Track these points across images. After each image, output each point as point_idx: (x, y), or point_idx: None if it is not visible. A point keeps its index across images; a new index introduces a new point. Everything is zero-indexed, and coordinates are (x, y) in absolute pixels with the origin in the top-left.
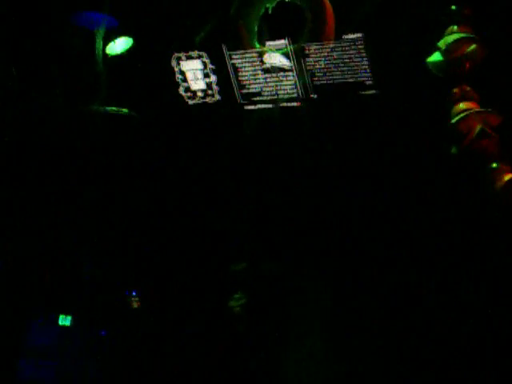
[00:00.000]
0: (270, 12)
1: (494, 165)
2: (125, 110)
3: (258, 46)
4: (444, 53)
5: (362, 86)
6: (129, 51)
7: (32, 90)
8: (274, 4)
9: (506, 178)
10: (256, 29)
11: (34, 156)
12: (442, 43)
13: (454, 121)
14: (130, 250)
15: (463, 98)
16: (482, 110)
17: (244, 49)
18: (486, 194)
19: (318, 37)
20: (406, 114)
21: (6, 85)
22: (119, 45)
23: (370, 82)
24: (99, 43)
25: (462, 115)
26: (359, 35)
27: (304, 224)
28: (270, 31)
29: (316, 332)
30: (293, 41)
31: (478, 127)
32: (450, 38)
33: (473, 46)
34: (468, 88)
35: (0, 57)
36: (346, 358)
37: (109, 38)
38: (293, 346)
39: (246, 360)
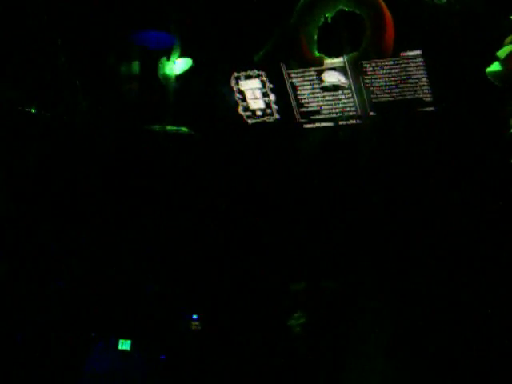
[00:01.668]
0: (329, 21)
1: None
2: (184, 129)
3: (317, 55)
4: (503, 62)
5: (421, 102)
6: (188, 71)
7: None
8: (333, 13)
9: None
10: (315, 38)
11: (93, 174)
12: (501, 53)
13: None
14: (190, 273)
15: None
16: None
17: (303, 58)
18: None
19: (377, 46)
20: (466, 128)
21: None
22: (179, 65)
23: (429, 99)
24: (159, 62)
25: None
26: (418, 52)
27: (364, 242)
28: (329, 42)
29: (377, 351)
30: (352, 51)
31: None
32: (509, 48)
33: None
34: None
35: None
36: (407, 379)
37: (168, 57)
38: (353, 365)
39: (307, 380)
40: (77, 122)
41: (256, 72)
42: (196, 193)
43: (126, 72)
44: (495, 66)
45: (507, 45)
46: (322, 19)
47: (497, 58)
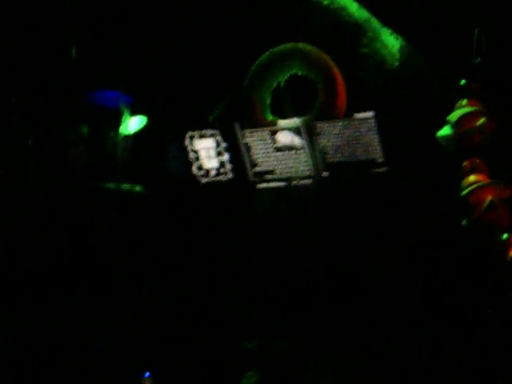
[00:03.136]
0: (281, 85)
1: (504, 236)
2: (138, 188)
3: (270, 118)
4: (454, 126)
5: (373, 163)
6: (142, 129)
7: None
8: (286, 77)
9: None
10: (268, 101)
11: (47, 232)
12: (451, 117)
13: (464, 193)
14: (142, 330)
15: (473, 171)
16: (492, 182)
17: (256, 121)
18: (496, 266)
19: (329, 109)
20: (417, 190)
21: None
22: (133, 124)
23: (381, 160)
24: (114, 121)
25: (471, 187)
26: (370, 113)
27: (317, 301)
28: (282, 105)
29: None
30: (305, 114)
31: (488, 199)
32: (460, 112)
33: (482, 120)
34: (478, 161)
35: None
36: None
37: (123, 115)
38: None
39: None
40: (27, 181)
41: (210, 131)
42: (149, 251)
43: (78, 131)
44: (446, 130)
45: (458, 109)
46: (275, 83)
47: (447, 122)
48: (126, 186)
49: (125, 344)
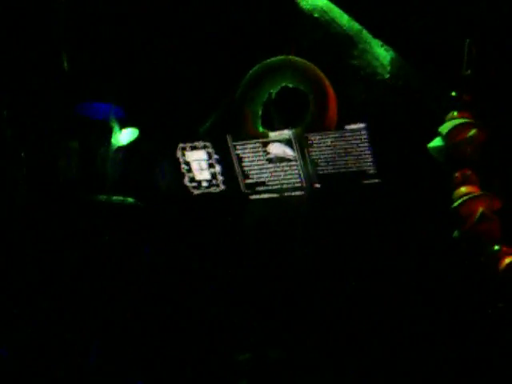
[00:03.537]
0: (273, 97)
1: (496, 247)
2: (130, 200)
3: (262, 130)
4: (445, 138)
5: (364, 174)
6: (134, 142)
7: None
8: (277, 89)
9: (508, 260)
10: (260, 113)
11: (38, 242)
12: (442, 129)
13: (455, 205)
14: (134, 339)
15: (464, 182)
16: (483, 193)
17: (248, 133)
18: (487, 277)
19: (320, 121)
20: (409, 201)
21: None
22: (125, 135)
23: (373, 171)
24: (106, 133)
25: (463, 199)
26: (361, 125)
27: (311, 311)
28: (274, 117)
29: None
30: (296, 127)
31: (480, 211)
32: (451, 124)
33: (473, 131)
34: (469, 172)
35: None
36: None
37: (114, 128)
38: None
39: None
40: (18, 193)
41: (202, 143)
42: (140, 263)
43: (70, 144)
44: (437, 142)
45: (448, 120)
46: (266, 95)
47: (438, 134)
48: (117, 199)
49: (116, 355)
